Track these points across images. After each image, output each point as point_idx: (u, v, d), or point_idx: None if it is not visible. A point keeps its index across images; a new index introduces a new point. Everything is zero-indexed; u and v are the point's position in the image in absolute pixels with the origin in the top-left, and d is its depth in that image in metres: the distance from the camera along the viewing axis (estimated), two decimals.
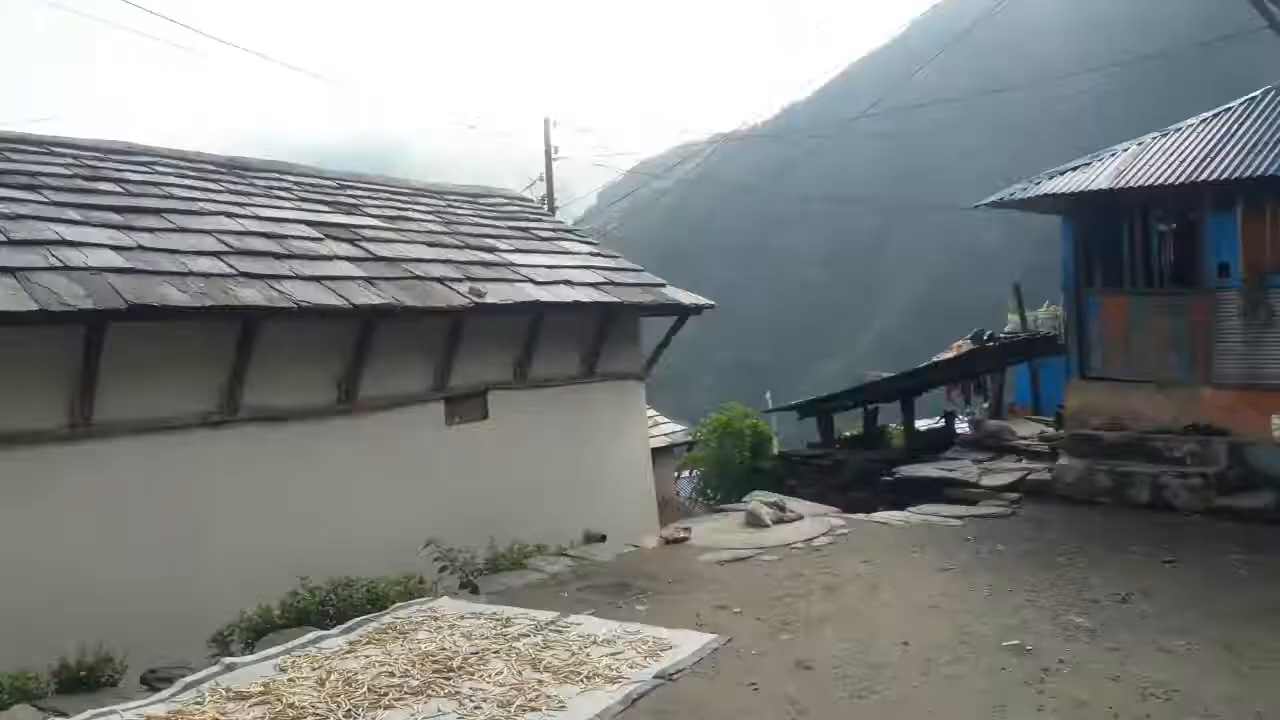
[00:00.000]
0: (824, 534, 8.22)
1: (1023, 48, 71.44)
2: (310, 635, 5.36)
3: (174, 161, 9.73)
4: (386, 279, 8.23)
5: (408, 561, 6.92)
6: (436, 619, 5.67)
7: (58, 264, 6.20)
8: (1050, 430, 12.01)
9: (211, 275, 7.00)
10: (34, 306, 5.56)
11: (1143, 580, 6.78)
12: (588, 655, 4.99)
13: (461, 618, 5.69)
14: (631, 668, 4.83)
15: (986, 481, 10.07)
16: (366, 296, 7.68)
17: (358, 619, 5.66)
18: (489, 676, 4.68)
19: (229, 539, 6.99)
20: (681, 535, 8.08)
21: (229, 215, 8.52)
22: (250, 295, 6.92)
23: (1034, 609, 6.13)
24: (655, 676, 4.75)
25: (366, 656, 4.98)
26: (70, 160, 8.64)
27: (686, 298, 11.22)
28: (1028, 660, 5.15)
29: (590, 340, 10.50)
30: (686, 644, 5.24)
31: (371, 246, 8.92)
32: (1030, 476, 10.00)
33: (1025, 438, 11.82)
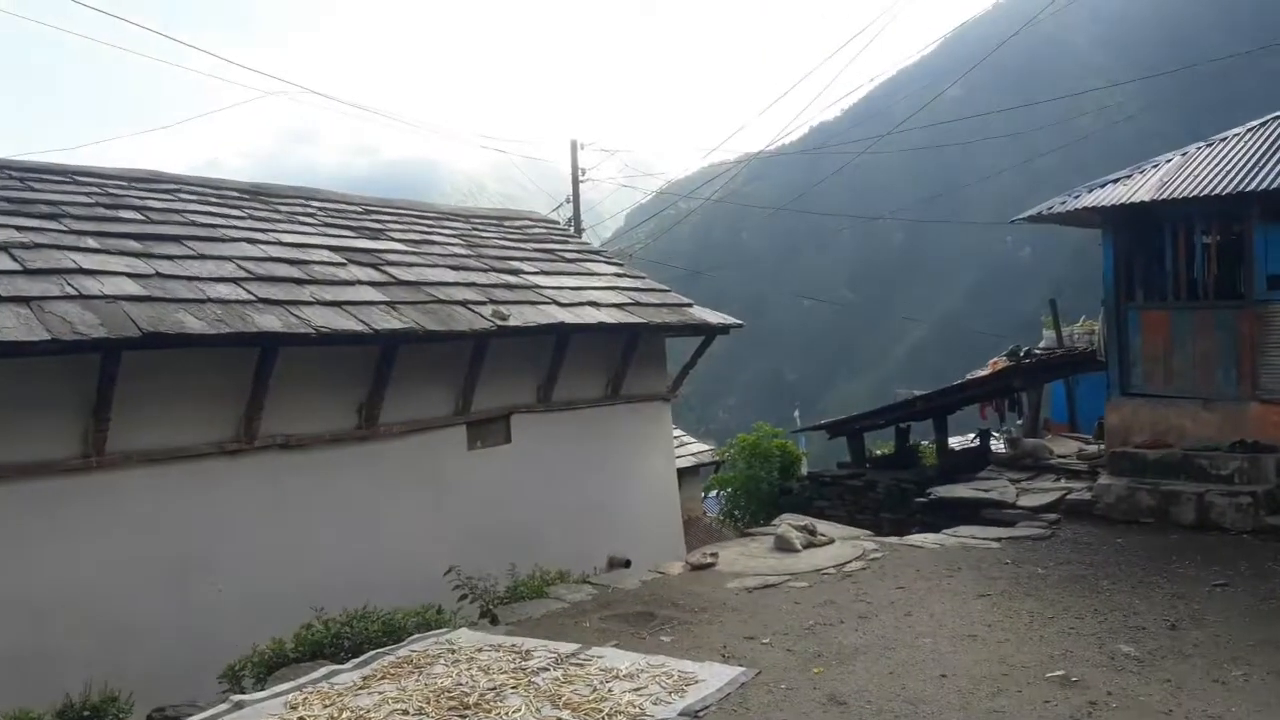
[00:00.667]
0: (856, 558, 7.96)
1: (1051, 65, 71.17)
2: (324, 670, 5.21)
3: (198, 189, 9.76)
4: (408, 303, 8.13)
5: (428, 590, 6.76)
6: (454, 651, 5.49)
7: (73, 292, 6.16)
8: (1089, 448, 11.69)
9: (230, 302, 6.93)
10: (46, 336, 5.49)
11: (1192, 605, 6.47)
12: (609, 691, 4.79)
13: (480, 650, 5.51)
14: (655, 704, 4.63)
15: (1024, 502, 9.76)
16: (387, 321, 7.58)
17: (373, 652, 5.50)
18: (506, 714, 4.49)
19: (244, 570, 6.89)
20: (708, 561, 7.85)
21: (251, 241, 8.49)
22: (268, 322, 6.83)
23: (1078, 637, 5.85)
24: (680, 714, 4.55)
25: (380, 693, 4.81)
26: (94, 189, 8.67)
27: (714, 317, 11.06)
28: (1074, 693, 4.88)
29: (615, 361, 10.35)
30: (713, 678, 5.02)
31: (394, 271, 8.85)
32: (1070, 496, 9.67)
33: (1063, 456, 11.48)
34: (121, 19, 13.98)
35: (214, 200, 9.47)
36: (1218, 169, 9.54)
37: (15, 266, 6.28)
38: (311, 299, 7.49)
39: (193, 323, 6.35)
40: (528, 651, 5.48)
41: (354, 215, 10.60)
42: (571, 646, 5.56)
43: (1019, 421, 15.23)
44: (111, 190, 8.77)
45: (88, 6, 11.75)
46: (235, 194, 10.00)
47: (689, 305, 10.95)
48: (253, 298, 7.12)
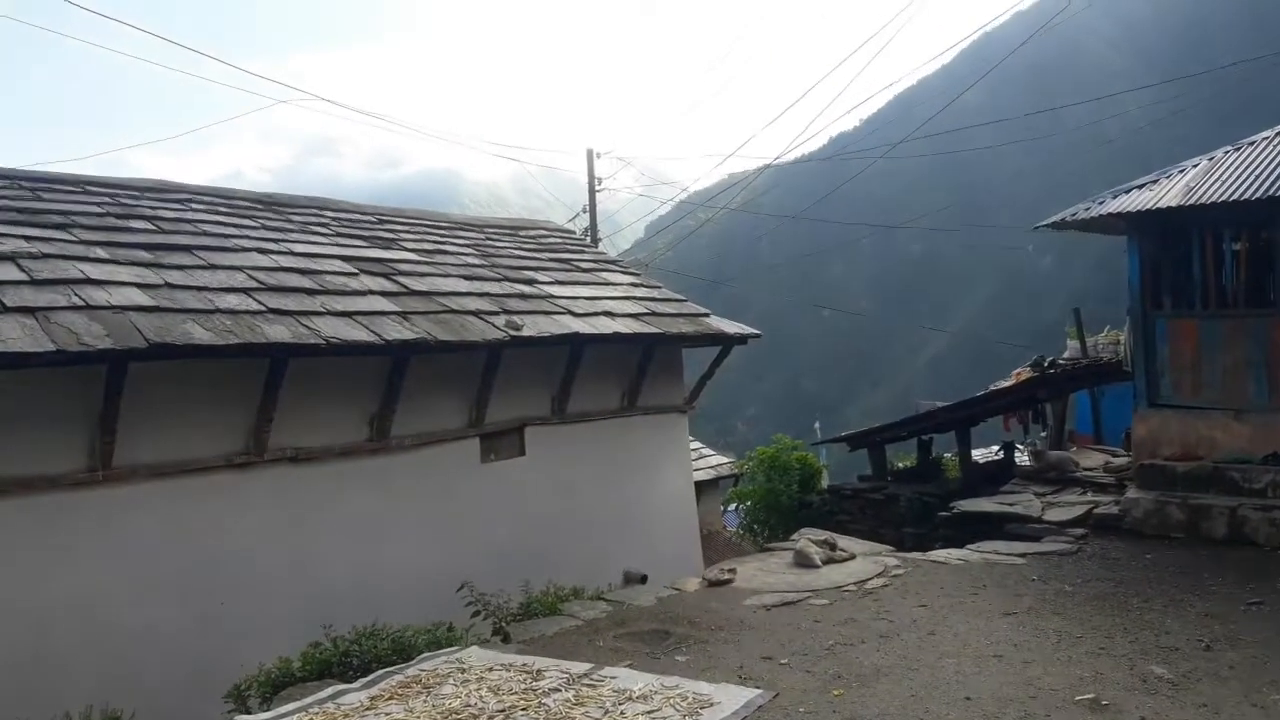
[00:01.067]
0: (878, 575, 7.76)
1: (1071, 71, 70.68)
2: (330, 690, 5.08)
3: (209, 199, 9.71)
4: (420, 313, 8.03)
5: (439, 607, 6.62)
6: (464, 671, 5.35)
7: (80, 303, 6.08)
8: (1116, 460, 11.44)
9: (239, 312, 6.84)
10: (51, 347, 5.41)
11: (1227, 624, 6.25)
12: (622, 713, 4.63)
13: (490, 669, 5.37)
14: None
15: (1050, 516, 9.53)
16: (399, 331, 7.47)
17: (381, 671, 5.37)
18: None
19: (252, 586, 6.77)
20: (726, 577, 7.68)
21: (262, 251, 8.42)
22: (278, 332, 6.73)
23: (1108, 658, 5.64)
24: None
25: (387, 713, 4.68)
26: (105, 199, 8.64)
27: (731, 327, 10.90)
28: (1104, 717, 4.69)
29: (631, 372, 10.21)
30: (728, 700, 4.86)
31: (406, 281, 8.75)
32: (1097, 510, 9.44)
33: (1090, 469, 11.24)
34: (136, 27, 14.05)
35: (226, 210, 9.42)
36: (1246, 174, 9.31)
37: (22, 277, 6.22)
38: (322, 309, 7.39)
39: (200, 333, 6.26)
40: (539, 671, 5.33)
41: (367, 225, 10.53)
42: (584, 666, 5.41)
43: (1043, 434, 14.99)
44: (123, 200, 8.74)
45: (99, 14, 11.77)
46: (247, 204, 9.95)
47: (706, 315, 10.80)
48: (262, 308, 7.03)
